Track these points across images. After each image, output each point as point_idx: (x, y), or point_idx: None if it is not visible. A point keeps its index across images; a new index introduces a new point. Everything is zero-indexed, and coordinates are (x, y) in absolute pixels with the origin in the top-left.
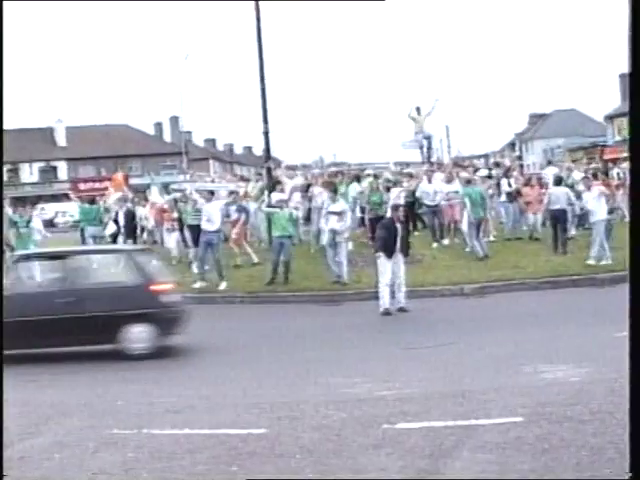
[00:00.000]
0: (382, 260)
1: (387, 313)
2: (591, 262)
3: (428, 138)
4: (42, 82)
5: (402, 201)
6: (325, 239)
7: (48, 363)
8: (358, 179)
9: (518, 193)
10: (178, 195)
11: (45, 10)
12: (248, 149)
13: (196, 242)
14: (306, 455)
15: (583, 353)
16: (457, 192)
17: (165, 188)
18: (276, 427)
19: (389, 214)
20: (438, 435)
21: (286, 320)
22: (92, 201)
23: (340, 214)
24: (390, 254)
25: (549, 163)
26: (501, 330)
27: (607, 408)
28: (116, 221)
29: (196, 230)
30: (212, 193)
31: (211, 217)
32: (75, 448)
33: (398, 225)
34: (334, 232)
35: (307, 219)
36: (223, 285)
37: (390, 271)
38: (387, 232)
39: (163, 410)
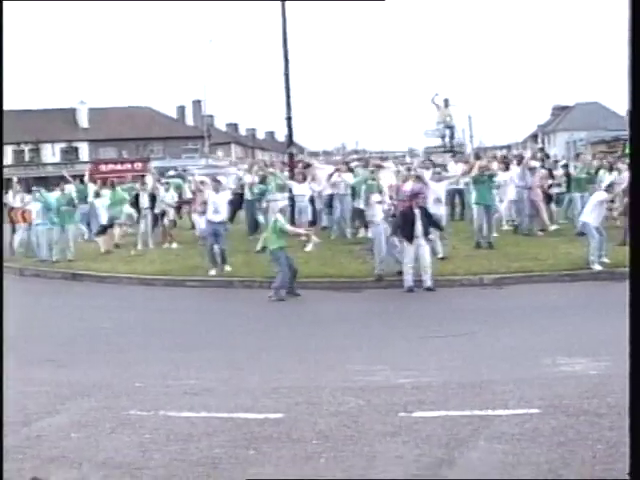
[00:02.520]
0: (404, 244)
1: (410, 290)
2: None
3: (451, 128)
4: (66, 63)
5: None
6: (375, 230)
7: (67, 342)
8: (378, 167)
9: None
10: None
11: None
12: (270, 134)
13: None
14: (322, 441)
15: (601, 346)
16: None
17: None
18: (293, 412)
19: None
20: (455, 424)
21: (305, 306)
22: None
23: (381, 203)
24: (409, 238)
25: (577, 156)
26: (519, 321)
27: (624, 402)
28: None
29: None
30: (219, 182)
31: (218, 208)
32: (92, 428)
33: (416, 211)
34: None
35: (329, 205)
36: (227, 268)
37: (412, 252)
38: (403, 218)
39: (181, 392)
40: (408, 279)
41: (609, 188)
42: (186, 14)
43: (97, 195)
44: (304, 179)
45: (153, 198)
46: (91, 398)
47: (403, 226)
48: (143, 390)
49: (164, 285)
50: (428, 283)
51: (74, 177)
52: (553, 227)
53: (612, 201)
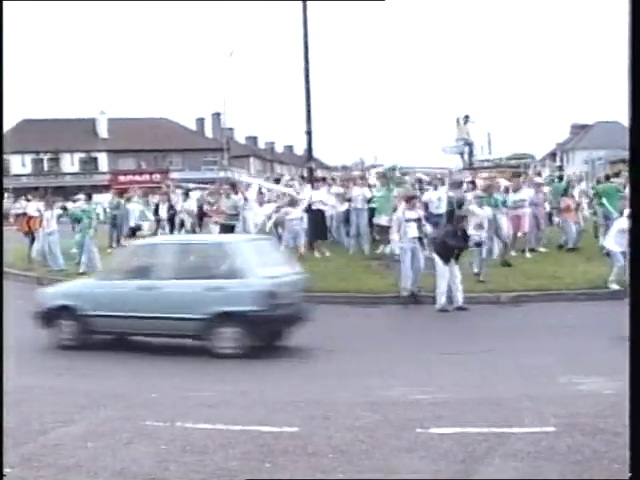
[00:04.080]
0: (440, 264)
1: (444, 310)
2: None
3: (470, 145)
4: (87, 73)
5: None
6: (399, 247)
7: (85, 352)
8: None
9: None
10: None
11: (94, 2)
12: (289, 148)
13: None
14: (338, 455)
15: (618, 366)
16: (524, 200)
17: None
18: (309, 426)
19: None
20: (471, 441)
21: (322, 321)
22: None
23: (418, 221)
24: (447, 260)
25: (607, 178)
26: (536, 340)
27: None
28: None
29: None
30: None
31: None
32: (108, 438)
33: (460, 234)
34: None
35: (346, 221)
36: None
37: (449, 273)
38: (454, 239)
39: (198, 404)
40: (442, 299)
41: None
42: (207, 27)
43: (128, 200)
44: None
45: (171, 209)
46: (107, 408)
47: (446, 246)
48: (159, 401)
49: None
50: (461, 302)
51: (92, 187)
52: (542, 249)
53: None
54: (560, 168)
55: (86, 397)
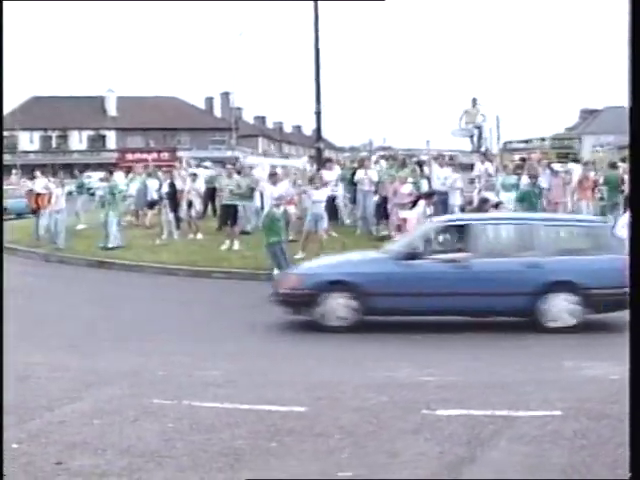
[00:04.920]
0: None
1: None
2: None
3: (479, 127)
4: (96, 51)
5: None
6: None
7: (91, 330)
8: (404, 164)
9: None
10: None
11: None
12: (297, 128)
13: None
14: (345, 436)
15: (624, 351)
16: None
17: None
18: (316, 406)
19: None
20: (477, 423)
21: None
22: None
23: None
24: None
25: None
26: None
27: None
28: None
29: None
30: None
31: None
32: (115, 415)
33: None
34: None
35: (353, 201)
36: None
37: None
38: None
39: (204, 383)
40: None
41: None
42: (217, 6)
43: (149, 175)
44: (323, 184)
45: (172, 186)
46: (115, 386)
47: None
48: (167, 379)
49: (189, 275)
50: None
51: (100, 165)
52: None
53: None
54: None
55: (92, 374)
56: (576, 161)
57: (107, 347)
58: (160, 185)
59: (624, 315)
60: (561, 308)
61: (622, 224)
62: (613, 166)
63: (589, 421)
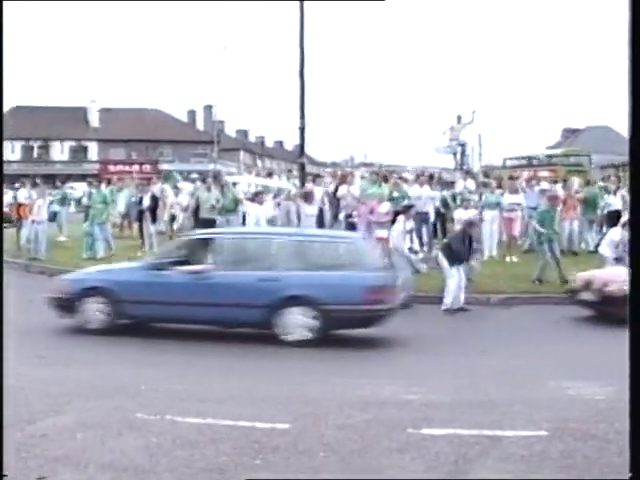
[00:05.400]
0: (447, 267)
1: (449, 310)
2: None
3: (462, 145)
4: (79, 62)
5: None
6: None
7: (73, 342)
8: (385, 180)
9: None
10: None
11: None
12: (279, 143)
13: None
14: (330, 454)
15: (607, 371)
16: (520, 204)
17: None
18: (300, 423)
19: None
20: (463, 443)
21: None
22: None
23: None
24: (453, 264)
25: (587, 183)
26: (526, 342)
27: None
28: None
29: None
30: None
31: (259, 221)
32: (98, 429)
33: (467, 241)
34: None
35: (335, 218)
36: None
37: (457, 274)
38: (461, 246)
39: (187, 398)
40: (449, 299)
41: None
42: (202, 19)
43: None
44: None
45: (155, 200)
46: (97, 399)
47: (452, 252)
48: (150, 393)
49: None
50: (462, 303)
51: (82, 176)
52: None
53: None
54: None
55: (75, 387)
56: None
57: (86, 359)
58: (141, 198)
59: (370, 331)
60: (297, 322)
61: (610, 238)
62: (589, 184)
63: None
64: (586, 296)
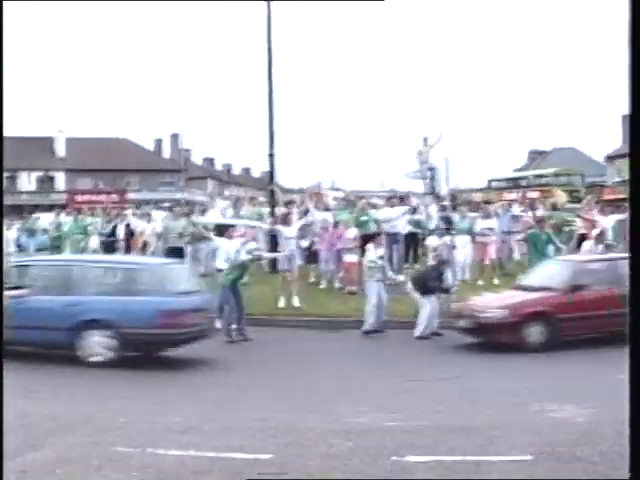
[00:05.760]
0: (419, 298)
1: (422, 337)
2: None
3: (432, 169)
4: (44, 92)
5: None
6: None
7: (48, 374)
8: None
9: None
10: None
11: (51, 19)
12: (246, 170)
13: None
14: None
15: (587, 393)
16: (492, 229)
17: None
18: (283, 453)
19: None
20: (448, 470)
21: (287, 345)
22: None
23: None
24: (425, 294)
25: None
26: (503, 366)
27: (617, 450)
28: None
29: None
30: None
31: (230, 255)
32: (78, 464)
33: (437, 276)
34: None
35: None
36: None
37: (429, 303)
38: (432, 281)
39: (167, 429)
40: (421, 328)
41: (599, 237)
42: (168, 48)
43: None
44: (290, 221)
45: (129, 229)
46: (75, 433)
47: (425, 285)
48: (128, 426)
49: None
50: (436, 328)
51: (50, 206)
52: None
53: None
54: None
55: (52, 421)
56: (578, 199)
57: (62, 393)
58: (114, 227)
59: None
60: (96, 344)
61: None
62: (555, 207)
63: None
64: (463, 324)
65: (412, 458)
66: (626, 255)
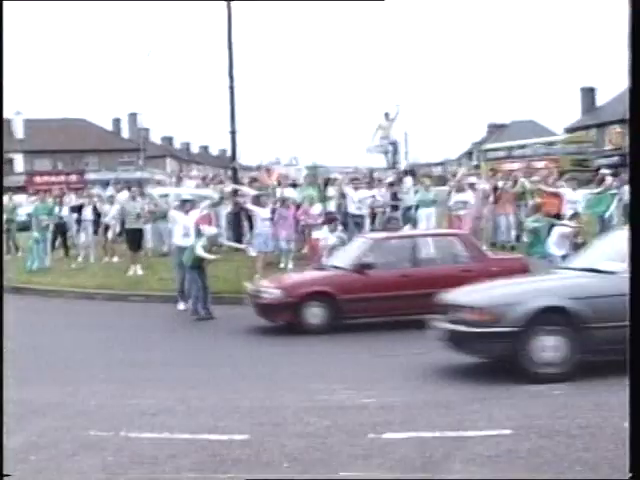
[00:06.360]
0: None
1: None
2: None
3: (394, 144)
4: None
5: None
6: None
7: (11, 359)
8: (325, 182)
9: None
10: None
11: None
12: (204, 148)
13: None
14: (294, 464)
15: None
16: (466, 202)
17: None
18: (258, 433)
19: None
20: (427, 446)
21: (254, 324)
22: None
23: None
24: None
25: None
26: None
27: (595, 422)
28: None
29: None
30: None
31: (188, 231)
32: (51, 450)
33: None
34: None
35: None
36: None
37: None
38: None
39: (139, 412)
40: None
41: (572, 218)
42: (125, 25)
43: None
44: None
45: (96, 210)
46: (47, 417)
47: None
48: (100, 409)
49: (107, 299)
50: None
51: (8, 188)
52: None
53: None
54: (477, 167)
55: (21, 406)
56: (589, 171)
57: (30, 377)
58: (79, 207)
59: None
60: None
61: (557, 233)
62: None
63: None
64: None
65: (390, 435)
66: (427, 232)
